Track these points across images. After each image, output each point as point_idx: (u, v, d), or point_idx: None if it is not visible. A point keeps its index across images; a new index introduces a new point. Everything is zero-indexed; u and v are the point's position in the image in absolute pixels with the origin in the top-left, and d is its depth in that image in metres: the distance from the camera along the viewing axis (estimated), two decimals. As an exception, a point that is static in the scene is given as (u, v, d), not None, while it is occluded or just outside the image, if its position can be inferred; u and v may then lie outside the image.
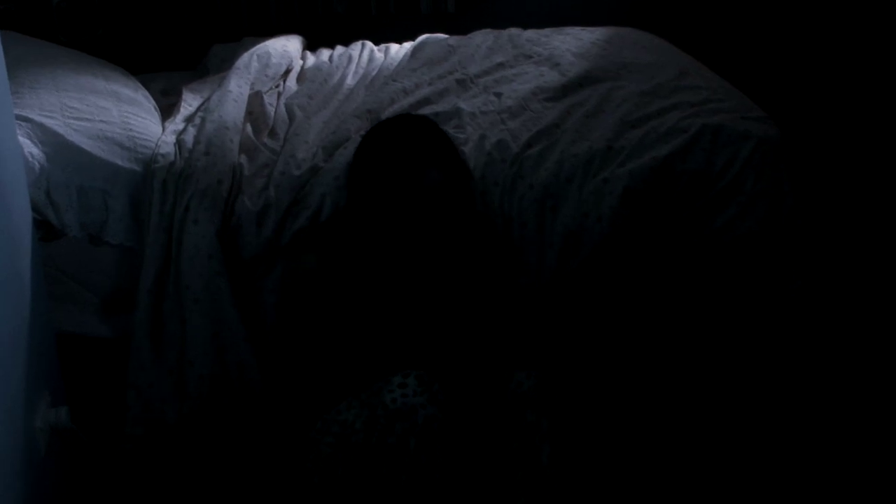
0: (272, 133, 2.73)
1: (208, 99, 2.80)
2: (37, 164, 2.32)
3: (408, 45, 3.34)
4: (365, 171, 2.21)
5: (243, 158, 2.56)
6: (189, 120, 2.71)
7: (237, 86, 2.84)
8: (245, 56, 3.05)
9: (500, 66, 2.99)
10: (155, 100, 2.88)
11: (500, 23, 3.41)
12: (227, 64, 3.10)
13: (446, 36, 3.38)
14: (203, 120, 2.65)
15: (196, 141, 2.55)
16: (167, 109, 2.84)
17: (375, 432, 1.97)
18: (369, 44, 3.36)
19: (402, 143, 2.20)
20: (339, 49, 3.35)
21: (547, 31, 3.27)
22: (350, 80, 3.07)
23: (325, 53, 3.33)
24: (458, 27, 3.47)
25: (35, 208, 2.30)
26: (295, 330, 2.23)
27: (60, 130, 2.40)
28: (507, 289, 2.35)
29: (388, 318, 2.19)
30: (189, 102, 2.84)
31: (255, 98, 2.85)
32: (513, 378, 2.06)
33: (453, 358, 2.14)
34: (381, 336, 2.18)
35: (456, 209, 2.21)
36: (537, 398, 2.03)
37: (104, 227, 2.42)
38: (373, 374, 2.08)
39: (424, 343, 2.18)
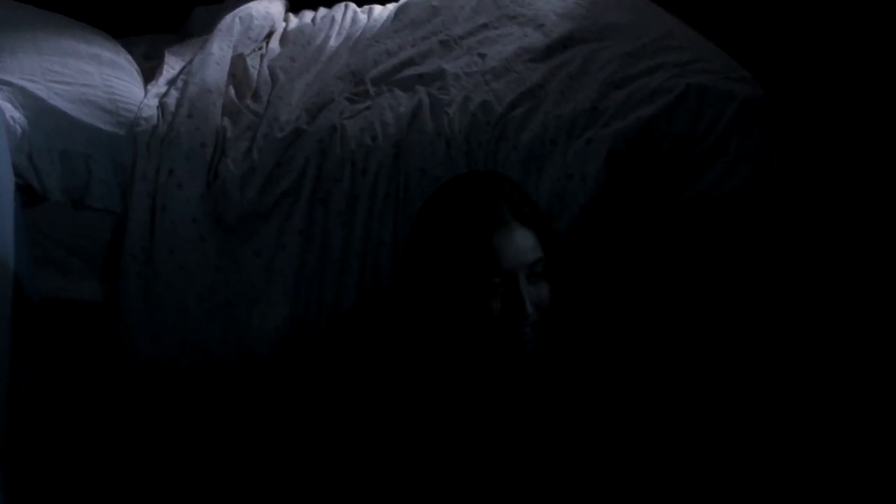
0: (255, 95, 2.71)
1: (190, 62, 2.78)
2: (18, 128, 2.32)
3: (391, 7, 3.32)
4: (424, 238, 1.74)
5: (226, 121, 2.55)
6: (172, 83, 2.69)
7: (219, 48, 2.82)
8: (227, 18, 3.02)
9: (484, 27, 2.97)
10: (137, 63, 2.85)
11: (484, -17, 3.38)
12: (209, 27, 3.07)
13: (430, -3, 3.36)
14: (185, 83, 2.63)
15: (179, 104, 2.54)
16: (149, 73, 2.82)
17: None
18: (352, 5, 3.33)
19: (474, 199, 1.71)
20: (322, 11, 3.33)
21: (531, -9, 3.25)
22: (333, 42, 3.05)
23: (307, 15, 3.30)
24: (442, -12, 3.44)
25: (17, 173, 2.30)
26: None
27: (42, 94, 2.39)
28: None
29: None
30: (171, 65, 2.82)
31: (238, 60, 2.83)
32: None
33: None
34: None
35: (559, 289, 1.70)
36: None
37: (87, 192, 2.41)
38: None
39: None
